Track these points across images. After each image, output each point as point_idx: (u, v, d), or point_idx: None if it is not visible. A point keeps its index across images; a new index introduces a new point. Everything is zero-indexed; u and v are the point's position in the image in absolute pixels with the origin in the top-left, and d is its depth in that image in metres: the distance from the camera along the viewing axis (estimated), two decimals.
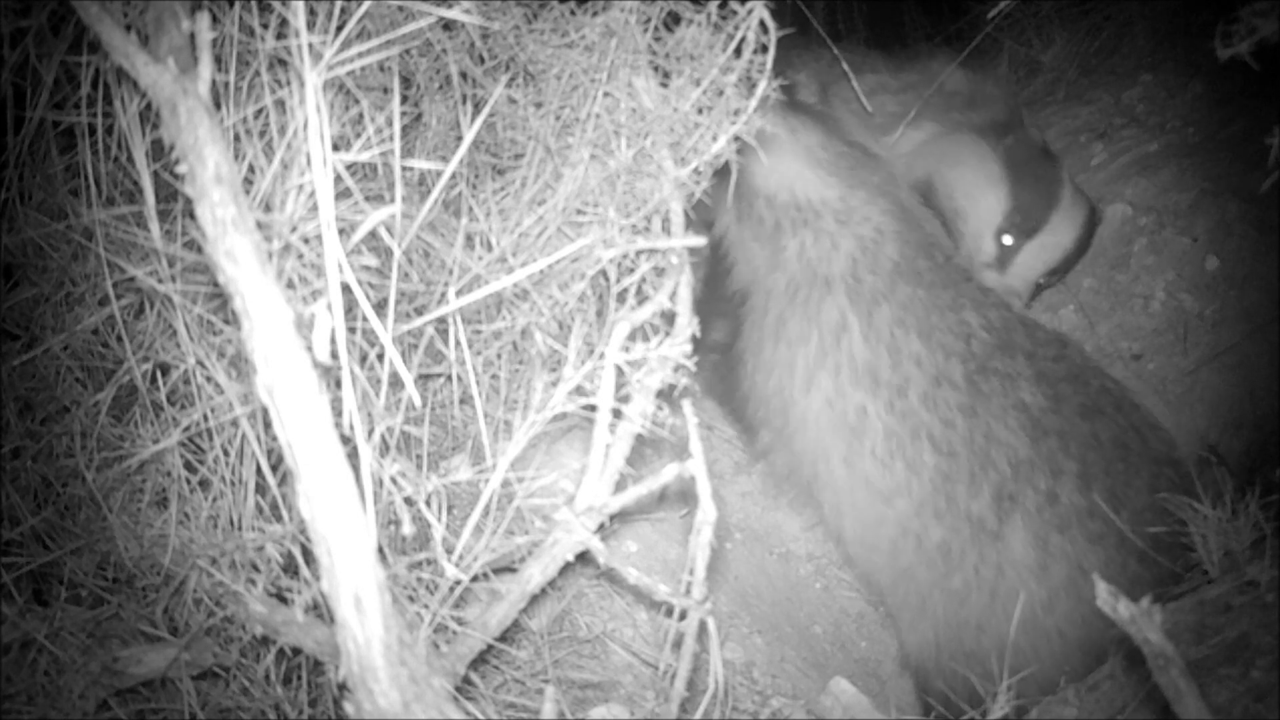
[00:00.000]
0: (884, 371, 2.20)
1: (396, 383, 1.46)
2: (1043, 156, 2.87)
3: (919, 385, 2.17)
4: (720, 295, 2.49)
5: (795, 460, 2.33)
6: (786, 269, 2.32)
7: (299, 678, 1.62)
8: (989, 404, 2.13)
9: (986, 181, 2.82)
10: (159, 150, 1.51)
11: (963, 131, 2.86)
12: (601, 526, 1.43)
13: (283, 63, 1.44)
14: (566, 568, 1.44)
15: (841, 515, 2.26)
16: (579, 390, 1.47)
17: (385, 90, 1.63)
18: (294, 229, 1.26)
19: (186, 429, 1.61)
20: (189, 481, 1.65)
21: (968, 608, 2.09)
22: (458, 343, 1.66)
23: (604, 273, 1.78)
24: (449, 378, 1.86)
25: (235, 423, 1.56)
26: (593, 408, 1.42)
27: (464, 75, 1.80)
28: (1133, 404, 2.28)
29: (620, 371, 1.41)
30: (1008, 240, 2.82)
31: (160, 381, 1.66)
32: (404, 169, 1.61)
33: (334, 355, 1.12)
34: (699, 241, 1.59)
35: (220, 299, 1.53)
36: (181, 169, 1.14)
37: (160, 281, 1.54)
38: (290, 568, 1.53)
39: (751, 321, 2.38)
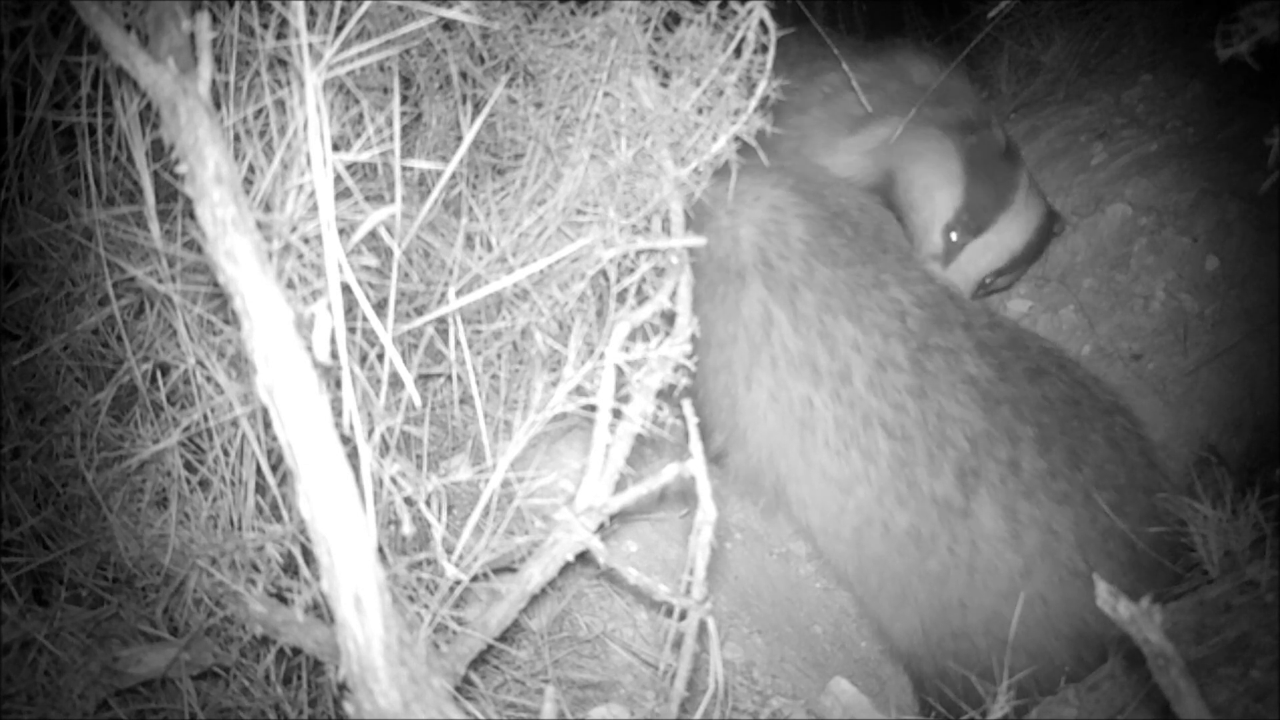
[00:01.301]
0: (822, 359, 2.18)
1: (396, 383, 1.46)
2: (1003, 158, 2.85)
3: (862, 371, 2.15)
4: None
5: (753, 460, 2.32)
6: (703, 274, 2.30)
7: (299, 678, 1.62)
8: (936, 383, 2.12)
9: (944, 178, 2.81)
10: (159, 150, 1.51)
11: (929, 127, 2.84)
12: (601, 526, 1.43)
13: (283, 63, 1.44)
14: (566, 568, 1.44)
15: (807, 508, 2.25)
16: (579, 390, 1.47)
17: (385, 90, 1.63)
18: (294, 229, 1.26)
19: (186, 429, 1.61)
20: (189, 481, 1.65)
21: (948, 588, 2.09)
22: (458, 343, 1.66)
23: (604, 273, 1.78)
24: (449, 378, 1.86)
25: (235, 423, 1.56)
26: (593, 408, 1.42)
27: (464, 75, 1.80)
28: (1072, 360, 2.29)
29: (620, 371, 1.41)
30: (954, 236, 2.82)
31: (160, 381, 1.66)
32: (404, 169, 1.61)
33: (334, 355, 1.12)
34: (699, 241, 1.59)
35: (220, 299, 1.53)
36: (181, 169, 1.14)
37: (160, 281, 1.54)
38: (290, 568, 1.53)
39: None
